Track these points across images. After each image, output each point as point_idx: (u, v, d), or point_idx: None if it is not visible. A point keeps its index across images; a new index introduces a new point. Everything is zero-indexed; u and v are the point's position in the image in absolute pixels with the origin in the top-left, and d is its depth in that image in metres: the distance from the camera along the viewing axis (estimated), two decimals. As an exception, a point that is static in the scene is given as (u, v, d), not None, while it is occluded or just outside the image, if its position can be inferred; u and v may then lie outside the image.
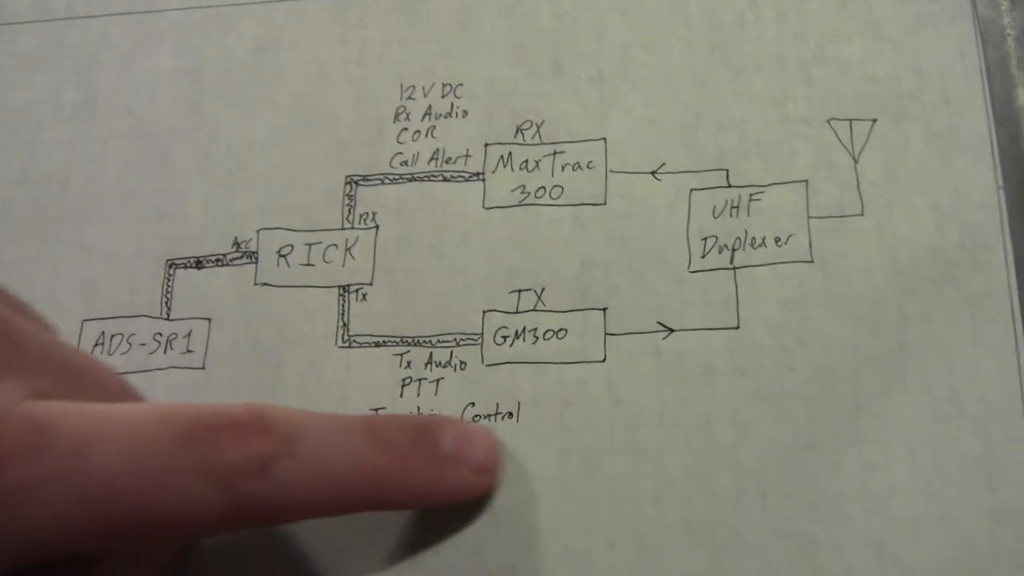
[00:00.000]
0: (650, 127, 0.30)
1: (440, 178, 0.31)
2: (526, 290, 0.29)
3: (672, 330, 0.28)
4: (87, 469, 0.21)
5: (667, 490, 0.27)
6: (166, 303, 0.30)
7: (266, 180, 0.31)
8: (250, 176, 0.31)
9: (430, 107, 0.31)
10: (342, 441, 0.24)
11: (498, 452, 0.27)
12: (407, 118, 0.31)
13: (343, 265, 0.30)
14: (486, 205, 0.30)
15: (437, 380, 0.29)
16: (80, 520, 0.21)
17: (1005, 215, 0.28)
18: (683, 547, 0.27)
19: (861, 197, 0.29)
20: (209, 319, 0.30)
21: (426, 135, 0.31)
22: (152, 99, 0.33)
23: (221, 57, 0.33)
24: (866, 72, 0.30)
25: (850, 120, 0.30)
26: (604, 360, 0.28)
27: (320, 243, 0.30)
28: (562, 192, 0.30)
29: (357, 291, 0.30)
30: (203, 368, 0.30)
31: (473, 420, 0.28)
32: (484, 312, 0.29)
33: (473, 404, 0.28)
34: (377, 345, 0.29)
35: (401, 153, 0.31)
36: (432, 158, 0.31)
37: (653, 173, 0.30)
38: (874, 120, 0.30)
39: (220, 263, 0.31)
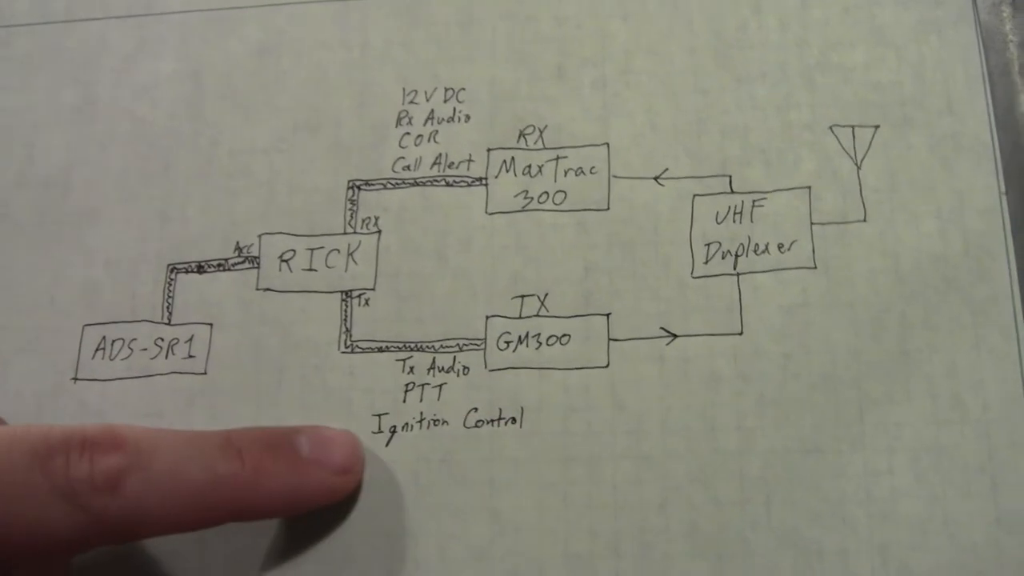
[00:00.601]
0: (653, 132, 0.30)
1: (443, 183, 0.31)
2: (529, 295, 0.29)
3: (676, 336, 0.28)
4: None
5: (671, 496, 0.27)
6: (167, 308, 0.30)
7: (268, 184, 0.31)
8: (252, 180, 0.31)
9: (432, 111, 0.31)
10: (195, 453, 0.24)
11: (359, 452, 0.27)
12: (409, 122, 0.31)
13: (345, 270, 0.30)
14: (489, 210, 0.30)
15: (440, 385, 0.29)
16: None
17: (1007, 221, 0.28)
18: (687, 553, 0.27)
19: (864, 203, 0.29)
20: (211, 324, 0.30)
21: (428, 139, 0.31)
22: (153, 102, 0.32)
23: (222, 60, 0.33)
24: (869, 79, 0.30)
25: (853, 126, 0.30)
26: (607, 366, 0.28)
27: (322, 248, 0.30)
28: (565, 197, 0.30)
29: (360, 296, 0.30)
30: (205, 373, 0.29)
31: (476, 425, 0.28)
32: (487, 317, 0.29)
33: (476, 409, 0.28)
34: (380, 350, 0.29)
35: (404, 158, 0.31)
36: (435, 163, 0.31)
37: (656, 179, 0.30)
38: (877, 126, 0.30)
39: (222, 268, 0.30)
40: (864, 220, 0.29)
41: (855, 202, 0.29)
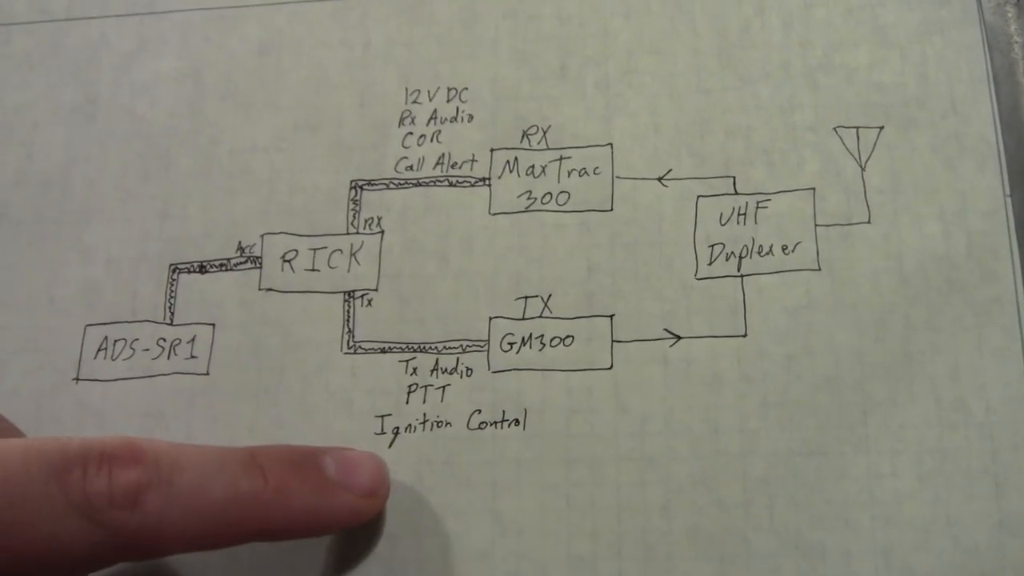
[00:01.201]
0: (656, 133, 0.30)
1: (446, 183, 0.30)
2: (532, 297, 0.29)
3: (679, 337, 0.28)
4: None
5: (674, 498, 0.27)
6: (170, 308, 0.30)
7: (269, 184, 0.31)
8: (253, 180, 0.31)
9: (435, 111, 0.31)
10: (218, 469, 0.24)
11: (385, 475, 0.27)
12: (412, 122, 0.31)
13: (348, 270, 0.30)
14: (492, 211, 0.30)
15: (443, 387, 0.29)
16: None
17: (1012, 223, 0.28)
18: (690, 555, 0.26)
19: (868, 205, 0.29)
20: (213, 324, 0.30)
21: (431, 139, 0.31)
22: (153, 101, 0.32)
23: (223, 59, 0.33)
24: (872, 79, 0.30)
25: (857, 128, 0.30)
26: (611, 367, 0.28)
27: (325, 248, 0.30)
28: (568, 198, 0.30)
29: (362, 297, 0.30)
30: (207, 374, 0.29)
31: (479, 427, 0.28)
32: (490, 319, 0.29)
33: (479, 411, 0.28)
34: (383, 351, 0.29)
35: (406, 158, 0.31)
36: (438, 163, 0.31)
37: (660, 179, 0.30)
38: (881, 128, 0.30)
39: (224, 268, 0.30)
40: (868, 222, 0.29)
41: (859, 203, 0.29)
